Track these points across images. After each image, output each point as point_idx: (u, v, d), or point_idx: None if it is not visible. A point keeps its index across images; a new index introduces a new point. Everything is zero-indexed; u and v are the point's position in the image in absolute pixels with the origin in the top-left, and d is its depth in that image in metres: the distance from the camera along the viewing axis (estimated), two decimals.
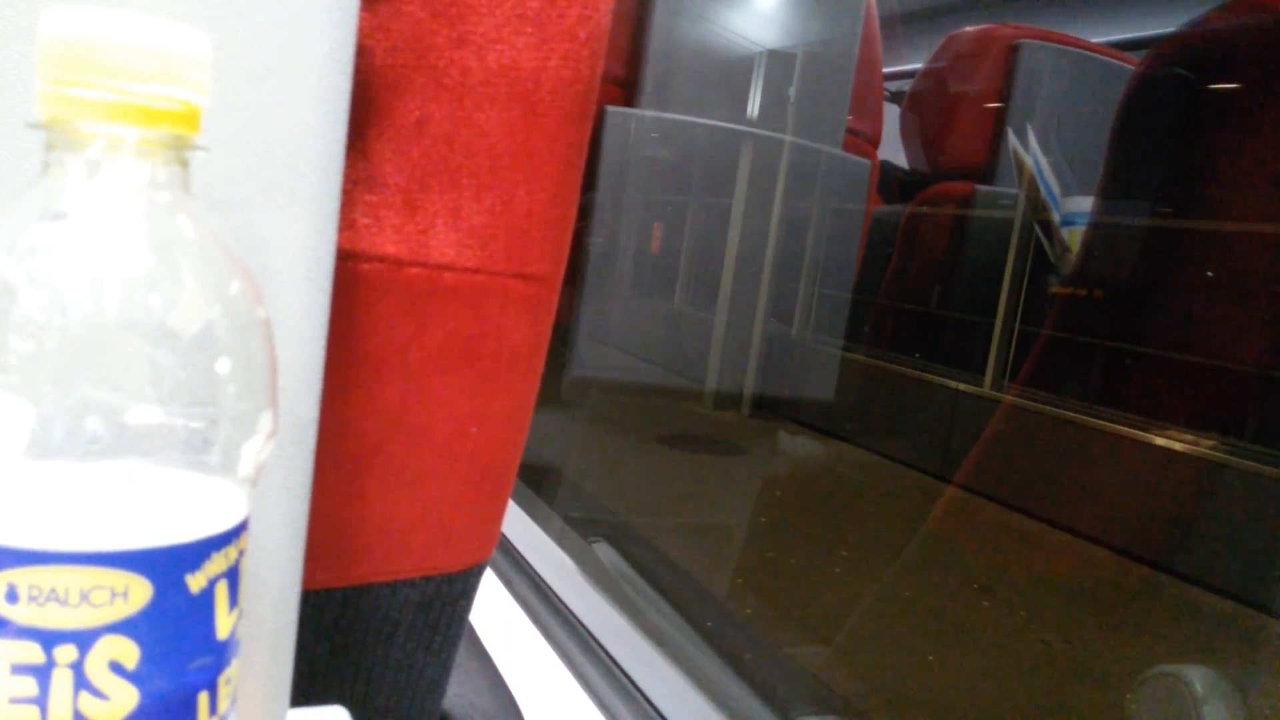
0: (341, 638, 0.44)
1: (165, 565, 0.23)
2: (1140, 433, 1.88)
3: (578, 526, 1.41)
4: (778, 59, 2.40)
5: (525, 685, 0.80)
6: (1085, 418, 2.01)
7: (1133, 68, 2.39)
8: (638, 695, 0.89)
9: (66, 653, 0.21)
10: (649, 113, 2.14)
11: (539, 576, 1.12)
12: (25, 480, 0.22)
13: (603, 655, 0.94)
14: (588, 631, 0.99)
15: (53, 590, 0.21)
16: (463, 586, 0.48)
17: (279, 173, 0.34)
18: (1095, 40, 3.03)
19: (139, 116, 0.23)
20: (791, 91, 2.41)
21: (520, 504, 1.33)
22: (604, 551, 1.38)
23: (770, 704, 1.03)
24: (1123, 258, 1.99)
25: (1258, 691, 1.16)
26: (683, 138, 2.36)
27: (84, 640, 0.22)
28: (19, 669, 0.21)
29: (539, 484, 1.62)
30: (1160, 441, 1.83)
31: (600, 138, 2.02)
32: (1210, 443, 1.78)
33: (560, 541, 1.23)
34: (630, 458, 2.32)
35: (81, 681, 0.22)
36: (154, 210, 0.24)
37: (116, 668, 0.22)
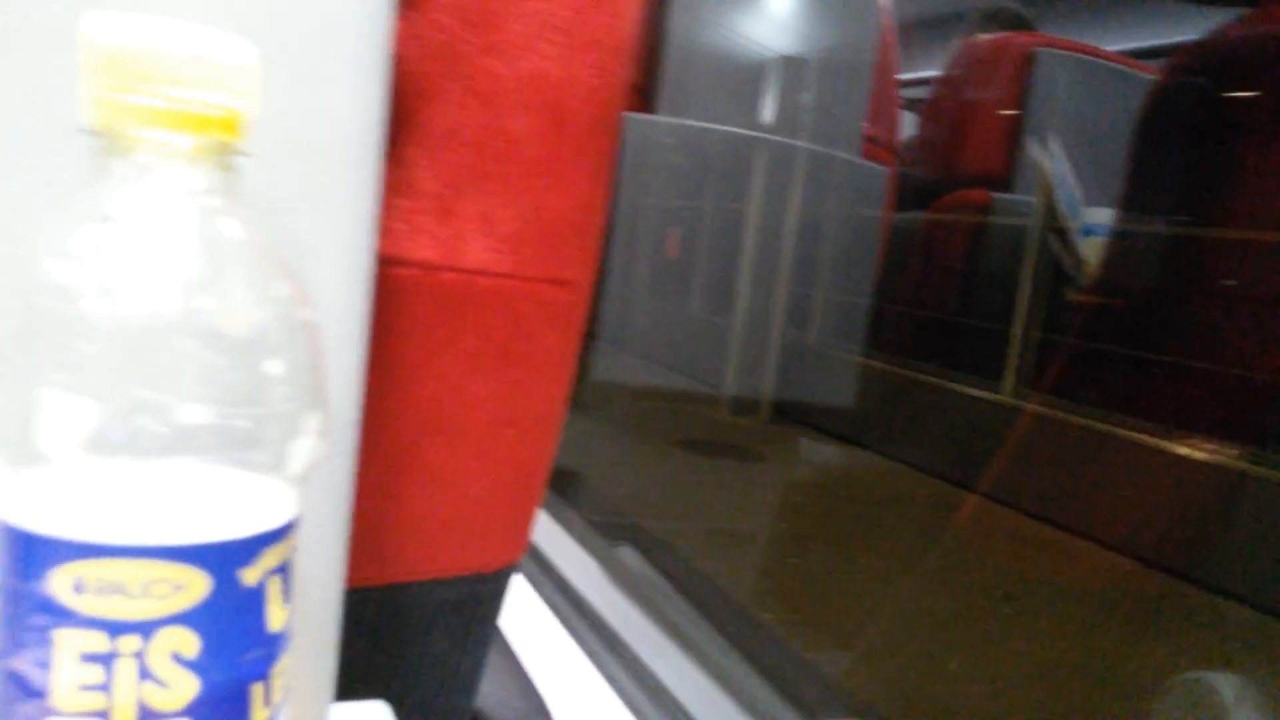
0: (380, 635, 0.45)
1: (222, 560, 0.23)
2: (1162, 441, 1.87)
3: (602, 530, 1.42)
4: (794, 65, 2.40)
5: (554, 686, 0.80)
6: (1106, 426, 2.00)
7: (1151, 76, 2.38)
8: (664, 694, 0.89)
9: (130, 643, 0.22)
10: (666, 119, 2.15)
11: (565, 579, 1.13)
12: (85, 476, 0.23)
13: (629, 656, 0.95)
14: (614, 633, 0.99)
15: (116, 582, 0.22)
16: (495, 587, 0.49)
17: (318, 178, 0.35)
18: (1111, 49, 3.03)
19: (190, 124, 0.24)
20: (807, 98, 2.41)
21: (545, 508, 1.33)
22: (628, 555, 1.38)
23: (795, 706, 1.03)
24: (1144, 266, 1.98)
25: None
26: (699, 144, 2.37)
27: (146, 630, 0.22)
28: (87, 657, 0.22)
29: (563, 488, 1.62)
30: (1183, 450, 1.82)
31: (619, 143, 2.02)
32: (1234, 452, 1.77)
33: (585, 545, 1.23)
34: (651, 462, 2.32)
35: (145, 670, 0.22)
36: (204, 214, 0.25)
37: (177, 658, 0.22)
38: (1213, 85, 1.74)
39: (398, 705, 0.45)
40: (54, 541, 0.22)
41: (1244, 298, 1.75)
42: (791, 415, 2.77)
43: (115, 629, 0.22)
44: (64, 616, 0.22)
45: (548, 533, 1.26)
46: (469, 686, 0.49)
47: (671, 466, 2.33)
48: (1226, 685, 1.07)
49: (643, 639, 0.97)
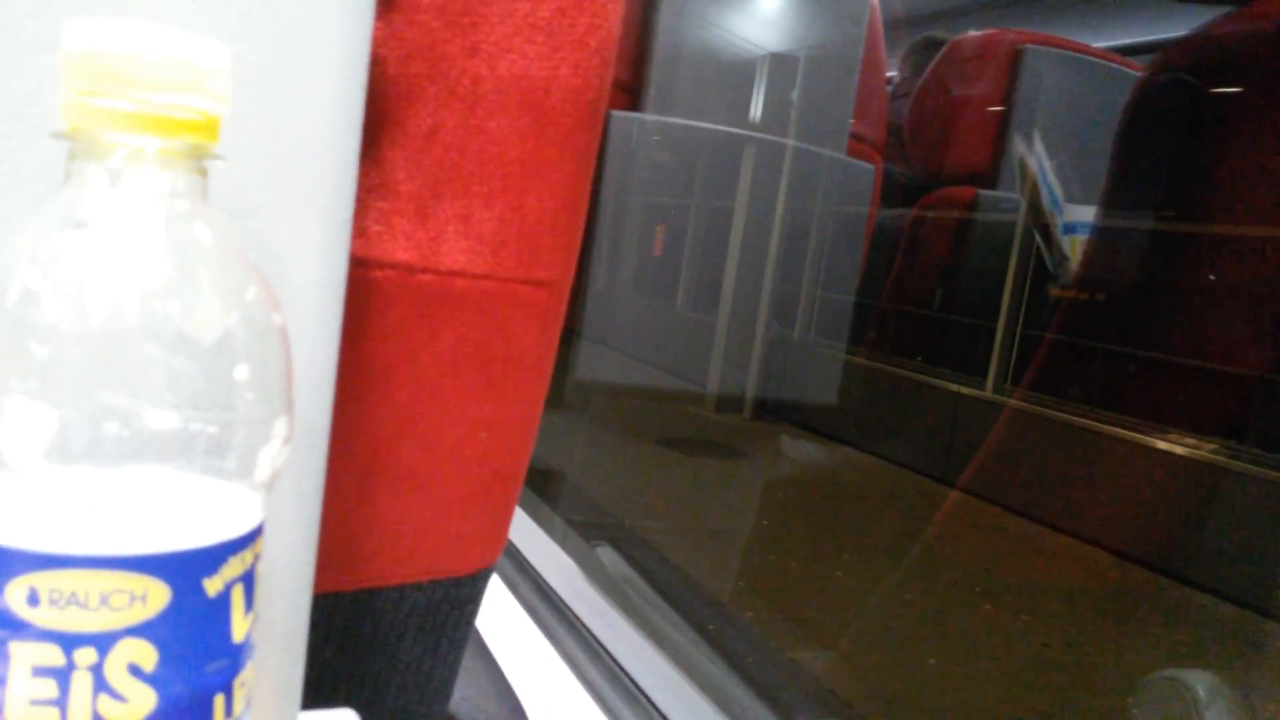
0: (350, 641, 0.44)
1: (183, 569, 0.23)
2: (1142, 437, 1.88)
3: (581, 530, 1.42)
4: (781, 63, 2.40)
5: (530, 689, 0.80)
6: (1087, 421, 2.01)
7: (1137, 73, 2.39)
8: (641, 698, 0.89)
9: (86, 655, 0.22)
10: (652, 117, 2.15)
11: (543, 580, 1.12)
12: (46, 485, 0.22)
13: (607, 659, 0.95)
14: (592, 635, 0.99)
15: (73, 594, 0.22)
16: (470, 590, 0.48)
17: (294, 180, 0.34)
18: (1098, 45, 3.04)
19: (160, 127, 0.24)
20: (794, 95, 2.41)
21: (524, 508, 1.33)
22: (607, 555, 1.38)
23: (773, 707, 1.03)
24: (1127, 263, 1.99)
25: (1260, 696, 1.16)
26: (686, 142, 2.36)
27: (103, 643, 0.22)
28: (39, 671, 0.21)
29: (542, 488, 1.62)
30: (1162, 445, 1.83)
31: (604, 142, 2.01)
32: (1212, 446, 1.78)
33: (564, 545, 1.23)
34: (633, 461, 2.32)
35: (101, 684, 0.22)
36: (173, 218, 0.24)
37: (135, 670, 0.22)
38: (1198, 82, 1.74)
39: (369, 711, 0.44)
40: (9, 552, 0.22)
41: (1225, 293, 1.77)
42: (775, 412, 2.78)
43: (71, 642, 0.22)
44: (19, 629, 0.21)
45: (526, 533, 1.25)
46: (442, 691, 0.49)
47: (653, 464, 2.33)
48: (1200, 683, 1.08)
49: (621, 641, 0.97)
